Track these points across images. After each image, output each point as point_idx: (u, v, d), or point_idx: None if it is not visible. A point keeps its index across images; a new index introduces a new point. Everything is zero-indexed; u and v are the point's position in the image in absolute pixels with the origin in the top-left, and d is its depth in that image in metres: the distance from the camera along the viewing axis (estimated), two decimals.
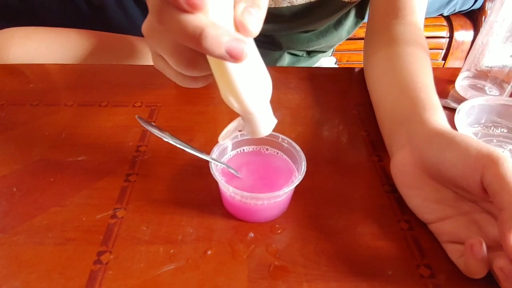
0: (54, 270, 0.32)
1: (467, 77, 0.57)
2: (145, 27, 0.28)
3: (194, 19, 0.21)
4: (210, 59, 0.26)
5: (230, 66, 0.24)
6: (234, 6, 0.23)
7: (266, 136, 0.32)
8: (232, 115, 0.30)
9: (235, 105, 0.27)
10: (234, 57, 0.22)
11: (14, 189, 0.39)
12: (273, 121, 0.31)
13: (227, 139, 0.36)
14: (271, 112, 0.30)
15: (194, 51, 0.23)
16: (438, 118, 0.38)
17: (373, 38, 0.56)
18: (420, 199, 0.36)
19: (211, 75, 0.28)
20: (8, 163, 0.42)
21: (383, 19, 0.56)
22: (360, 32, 0.82)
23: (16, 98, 0.53)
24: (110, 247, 0.34)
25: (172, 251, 0.34)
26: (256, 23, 0.23)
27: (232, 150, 0.40)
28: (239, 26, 0.23)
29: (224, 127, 0.36)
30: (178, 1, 0.21)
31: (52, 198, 0.38)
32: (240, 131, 0.35)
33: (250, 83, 0.26)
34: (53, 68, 0.61)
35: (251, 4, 0.23)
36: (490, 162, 0.29)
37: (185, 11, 0.21)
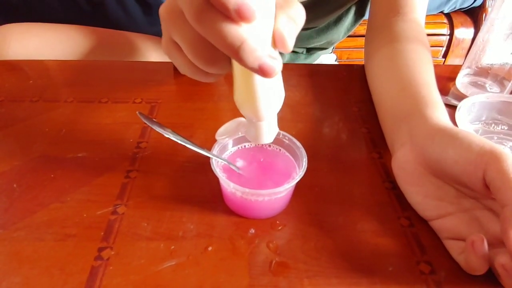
0: (54, 266, 0.32)
1: (467, 74, 0.57)
2: (165, 9, 0.26)
3: (237, 29, 0.21)
4: (236, 64, 0.26)
5: (257, 77, 0.25)
6: (275, 18, 0.23)
7: None
8: (233, 112, 0.30)
9: (248, 111, 0.28)
10: (265, 73, 0.22)
11: (14, 185, 0.39)
12: (276, 130, 0.32)
13: (226, 139, 0.36)
14: (276, 121, 0.31)
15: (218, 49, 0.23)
16: (439, 115, 0.38)
17: (374, 35, 0.56)
18: (421, 196, 0.35)
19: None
20: (8, 160, 0.42)
21: (384, 16, 0.56)
22: (361, 29, 0.82)
23: (15, 95, 0.53)
24: (111, 243, 0.34)
25: (172, 247, 0.34)
26: (293, 40, 0.24)
27: (233, 146, 0.40)
28: (278, 40, 0.23)
29: (224, 124, 0.36)
30: (228, 9, 0.20)
31: (53, 194, 0.38)
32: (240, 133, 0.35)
33: (269, 94, 0.27)
34: (53, 64, 0.61)
35: (291, 20, 0.24)
36: (493, 159, 0.29)
37: (231, 20, 0.21)
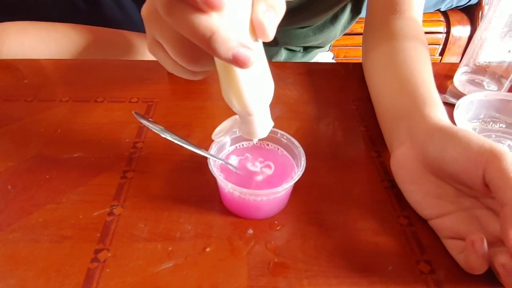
0: (50, 268, 0.32)
1: (465, 72, 0.56)
2: (146, 10, 0.27)
3: (207, 20, 0.21)
4: (217, 58, 0.25)
5: (238, 69, 0.24)
6: (253, 7, 0.23)
7: None
8: (230, 111, 0.29)
9: (236, 106, 0.28)
10: (240, 63, 0.22)
11: (9, 186, 0.38)
12: (270, 124, 0.31)
13: (221, 137, 0.36)
14: (269, 114, 0.31)
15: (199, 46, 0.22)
16: (438, 113, 0.38)
17: (372, 34, 0.56)
18: (421, 195, 0.35)
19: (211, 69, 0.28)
20: (3, 160, 0.41)
21: (381, 14, 0.56)
22: (357, 27, 0.82)
23: (10, 94, 0.52)
24: (108, 244, 0.33)
25: (170, 248, 0.33)
26: (274, 28, 0.23)
27: (230, 145, 0.40)
28: (257, 28, 0.23)
29: (221, 123, 0.35)
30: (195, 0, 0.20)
31: (48, 195, 0.38)
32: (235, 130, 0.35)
33: (254, 86, 0.26)
34: (48, 63, 0.60)
35: (270, 8, 0.23)
36: (492, 157, 0.29)
37: (200, 10, 0.21)
